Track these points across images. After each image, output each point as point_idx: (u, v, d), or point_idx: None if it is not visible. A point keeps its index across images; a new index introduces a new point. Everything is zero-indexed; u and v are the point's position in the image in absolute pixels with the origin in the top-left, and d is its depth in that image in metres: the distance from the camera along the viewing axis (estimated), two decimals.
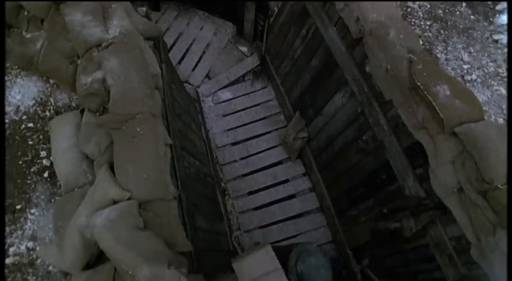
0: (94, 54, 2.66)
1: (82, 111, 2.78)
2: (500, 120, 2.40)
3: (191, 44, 4.86)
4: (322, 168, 3.94)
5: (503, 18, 2.74)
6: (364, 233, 3.23)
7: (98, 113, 2.67)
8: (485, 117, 2.30)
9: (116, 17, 2.73)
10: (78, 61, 2.81)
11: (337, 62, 3.06)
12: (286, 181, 4.26)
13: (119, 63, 2.43)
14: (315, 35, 3.32)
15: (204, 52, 4.83)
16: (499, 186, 1.83)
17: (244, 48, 4.80)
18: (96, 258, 2.24)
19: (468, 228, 2.01)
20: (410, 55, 2.38)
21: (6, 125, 2.82)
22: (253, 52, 4.77)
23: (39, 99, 2.95)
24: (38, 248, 2.52)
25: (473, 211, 1.95)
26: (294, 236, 3.99)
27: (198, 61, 4.81)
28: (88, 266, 2.19)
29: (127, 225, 2.04)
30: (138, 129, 2.29)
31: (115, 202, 2.16)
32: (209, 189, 3.86)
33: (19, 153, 2.73)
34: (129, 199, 2.18)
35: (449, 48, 2.87)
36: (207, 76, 4.80)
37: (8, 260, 2.40)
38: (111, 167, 2.37)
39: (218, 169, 4.34)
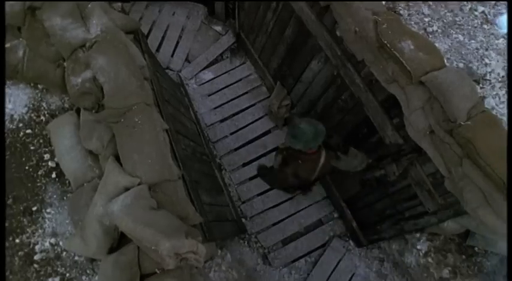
0: (80, 55, 2.73)
1: (77, 111, 2.87)
2: (461, 65, 2.61)
3: (166, 30, 4.87)
4: None
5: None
6: (355, 185, 3.49)
7: (94, 111, 2.78)
8: (447, 64, 2.52)
9: (94, 16, 2.78)
10: (65, 64, 2.86)
11: (309, 31, 3.18)
12: (276, 148, 4.39)
13: (106, 61, 2.52)
14: (285, 7, 3.41)
15: (180, 37, 4.87)
16: (462, 123, 2.06)
17: (218, 28, 4.85)
18: (118, 242, 2.43)
19: (441, 164, 2.26)
20: (375, 17, 2.54)
21: (5, 135, 2.85)
22: (228, 30, 4.82)
23: (31, 105, 2.99)
24: (60, 242, 2.66)
25: (443, 148, 2.19)
26: (291, 198, 4.24)
27: (176, 46, 4.85)
28: (112, 250, 2.35)
29: (142, 207, 2.22)
30: (136, 120, 2.42)
31: (127, 189, 2.32)
32: (206, 166, 4.04)
33: (23, 159, 2.81)
34: (139, 184, 2.35)
35: (410, 3, 3.01)
36: (187, 60, 4.86)
37: (36, 257, 2.55)
38: (117, 159, 2.53)
39: (211, 146, 4.51)
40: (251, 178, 4.34)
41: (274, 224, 4.18)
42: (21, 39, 2.98)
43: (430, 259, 2.74)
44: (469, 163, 2.11)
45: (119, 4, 3.11)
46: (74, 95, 2.76)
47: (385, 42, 2.43)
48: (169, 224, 2.20)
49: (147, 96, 2.52)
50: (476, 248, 2.62)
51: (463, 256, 2.62)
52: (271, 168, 3.62)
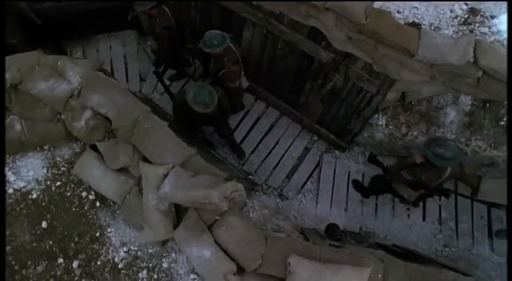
0: (73, 103, 3.09)
1: (91, 147, 3.13)
2: None
3: (111, 63, 5.25)
4: (265, 86, 4.69)
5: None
6: (318, 106, 4.13)
7: (106, 139, 3.18)
8: None
9: (67, 69, 3.14)
10: (63, 116, 3.16)
11: (231, 10, 3.74)
12: (247, 112, 4.99)
13: (100, 95, 2.93)
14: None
15: (126, 64, 5.25)
16: (364, 23, 2.76)
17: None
18: (177, 218, 2.83)
19: (365, 56, 2.97)
20: None
21: (41, 197, 3.11)
22: None
23: (47, 164, 3.23)
24: (131, 247, 2.97)
25: (361, 45, 2.89)
26: (277, 143, 4.86)
27: (126, 72, 5.24)
28: (175, 226, 2.78)
29: (185, 179, 2.70)
30: (146, 125, 2.86)
31: (165, 176, 2.74)
32: (201, 148, 4.58)
33: (67, 205, 3.10)
34: (172, 168, 2.84)
35: None
36: (141, 79, 5.28)
37: (120, 266, 2.90)
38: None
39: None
40: (240, 142, 4.89)
41: (274, 168, 4.79)
42: (11, 116, 3.20)
43: (390, 127, 3.49)
44: (381, 46, 2.83)
45: (80, 53, 3.49)
46: (84, 136, 3.13)
47: None
48: (209, 180, 2.71)
49: (143, 106, 3.02)
50: (412, 102, 3.39)
51: (408, 112, 3.39)
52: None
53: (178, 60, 4.80)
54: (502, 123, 3.11)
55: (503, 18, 3.01)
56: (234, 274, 2.60)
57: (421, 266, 2.59)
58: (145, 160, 2.94)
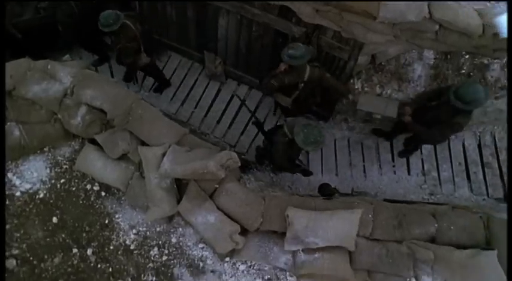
0: (68, 101, 3.23)
1: (89, 142, 3.30)
2: None
3: (96, 68, 5.33)
4: (245, 70, 4.86)
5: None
6: None
7: (103, 131, 3.33)
8: None
9: (58, 70, 3.27)
10: (59, 116, 3.30)
11: (205, 1, 3.89)
12: (232, 97, 5.13)
13: (92, 90, 3.07)
14: None
15: (110, 66, 5.22)
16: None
17: None
18: (179, 194, 3.00)
19: (332, 25, 3.18)
20: None
21: (48, 196, 3.23)
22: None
23: (50, 165, 3.34)
24: (140, 228, 3.12)
25: (327, 15, 3.11)
26: (264, 122, 4.93)
27: (112, 76, 5.23)
28: (179, 201, 2.95)
29: (182, 154, 2.87)
30: (140, 111, 3.03)
31: (163, 155, 2.91)
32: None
33: (74, 199, 3.23)
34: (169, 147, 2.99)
35: None
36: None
37: (132, 247, 3.06)
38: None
39: (187, 126, 5.18)
40: (229, 126, 5.06)
41: None
42: (9, 123, 3.33)
43: (366, 89, 3.75)
44: (346, 13, 3.05)
45: (68, 56, 3.63)
46: (82, 131, 3.27)
47: None
48: (204, 152, 2.88)
49: (134, 95, 3.18)
50: (382, 63, 3.62)
51: (380, 72, 3.63)
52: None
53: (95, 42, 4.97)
54: (463, 71, 3.39)
55: None
56: (238, 234, 2.80)
57: (407, 205, 2.84)
58: (143, 144, 3.10)
